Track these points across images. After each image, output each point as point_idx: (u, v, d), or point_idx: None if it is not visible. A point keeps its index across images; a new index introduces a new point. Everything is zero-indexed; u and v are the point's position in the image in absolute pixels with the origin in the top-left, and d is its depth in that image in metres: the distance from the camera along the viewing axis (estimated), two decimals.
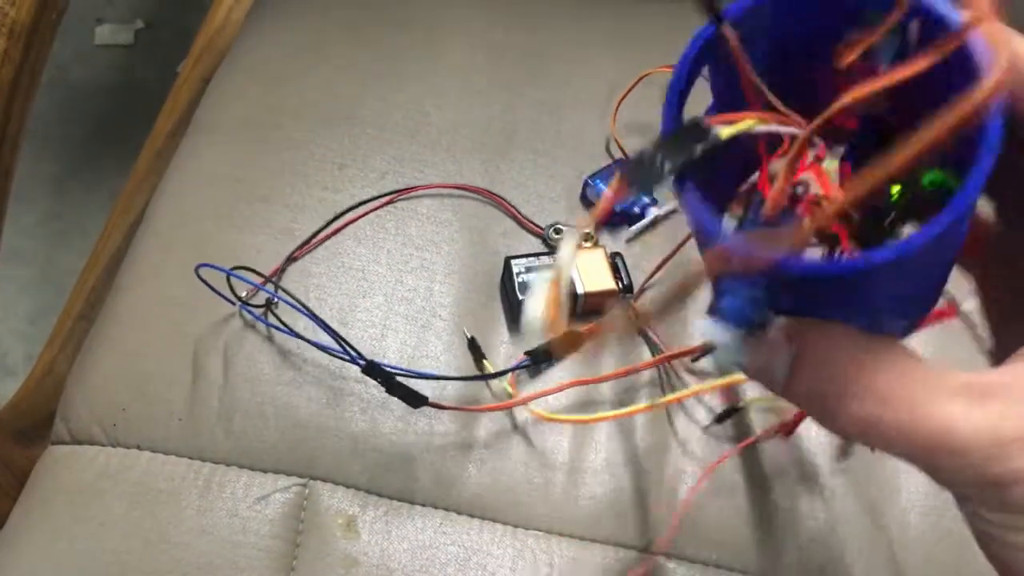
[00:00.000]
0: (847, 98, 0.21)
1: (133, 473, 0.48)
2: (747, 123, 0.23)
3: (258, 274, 0.51)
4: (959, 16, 0.21)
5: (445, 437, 0.49)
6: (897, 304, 0.25)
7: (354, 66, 0.63)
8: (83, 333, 0.72)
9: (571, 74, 0.64)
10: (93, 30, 1.29)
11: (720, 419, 0.48)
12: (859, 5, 0.22)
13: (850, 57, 0.22)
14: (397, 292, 0.53)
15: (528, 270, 0.52)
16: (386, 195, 0.56)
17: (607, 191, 0.22)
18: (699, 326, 0.22)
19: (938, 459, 0.22)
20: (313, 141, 0.59)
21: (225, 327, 0.50)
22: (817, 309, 0.23)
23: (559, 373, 0.51)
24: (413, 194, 0.57)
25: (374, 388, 0.49)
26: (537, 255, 0.53)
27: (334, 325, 0.51)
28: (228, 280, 0.49)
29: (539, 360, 0.51)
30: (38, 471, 0.50)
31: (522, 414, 0.50)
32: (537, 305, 0.22)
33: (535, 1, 0.69)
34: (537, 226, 0.56)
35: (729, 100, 0.24)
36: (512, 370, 0.50)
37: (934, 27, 0.21)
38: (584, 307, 0.52)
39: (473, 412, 0.50)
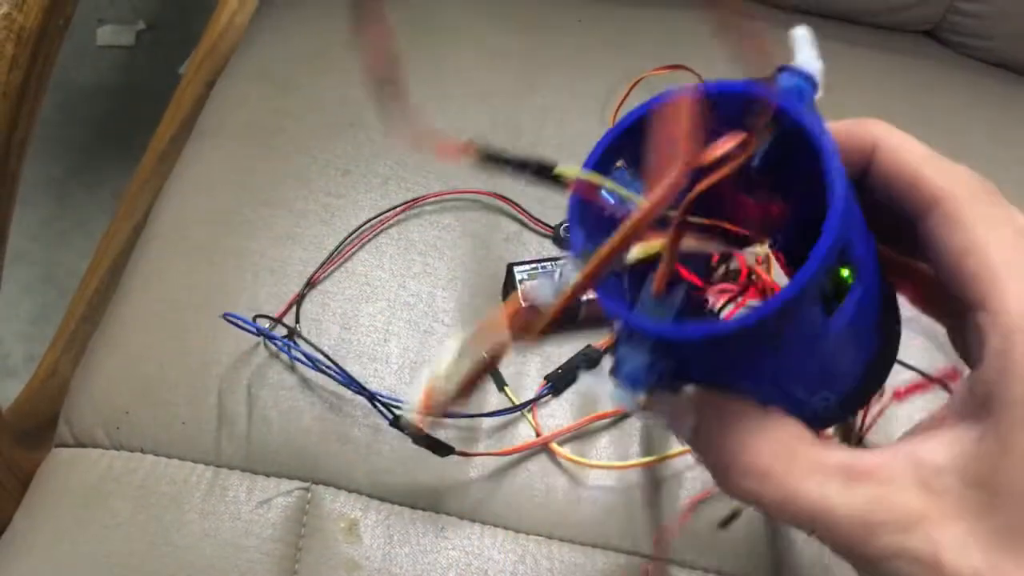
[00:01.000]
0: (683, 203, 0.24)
1: (136, 476, 0.48)
2: (645, 250, 0.26)
3: (279, 322, 0.51)
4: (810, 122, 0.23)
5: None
6: (801, 378, 0.26)
7: (357, 71, 0.63)
8: (86, 335, 0.72)
9: (571, 79, 0.65)
10: (95, 31, 1.29)
11: (726, 523, 0.47)
12: (731, 115, 0.25)
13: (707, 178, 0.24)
14: (400, 297, 0.53)
15: (531, 276, 0.52)
16: (398, 207, 0.56)
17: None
18: (607, 390, 0.24)
19: (817, 532, 0.23)
20: (316, 146, 0.59)
21: (230, 333, 0.51)
22: (719, 378, 0.25)
23: (569, 393, 0.51)
24: (421, 203, 0.57)
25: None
26: (539, 261, 0.53)
27: (336, 330, 0.52)
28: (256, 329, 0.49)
29: (560, 387, 0.51)
30: (42, 473, 0.50)
31: (527, 426, 0.50)
32: (416, 393, 0.24)
33: (536, 8, 0.69)
34: (547, 226, 0.56)
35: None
36: (535, 400, 0.50)
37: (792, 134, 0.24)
38: (586, 314, 0.53)
39: (487, 437, 0.50)
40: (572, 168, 0.25)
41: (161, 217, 0.58)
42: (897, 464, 0.23)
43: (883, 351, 0.27)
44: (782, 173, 0.24)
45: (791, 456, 0.23)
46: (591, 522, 0.48)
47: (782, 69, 0.24)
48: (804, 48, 0.25)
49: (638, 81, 0.60)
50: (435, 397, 0.24)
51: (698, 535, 0.47)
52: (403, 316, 0.53)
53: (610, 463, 0.49)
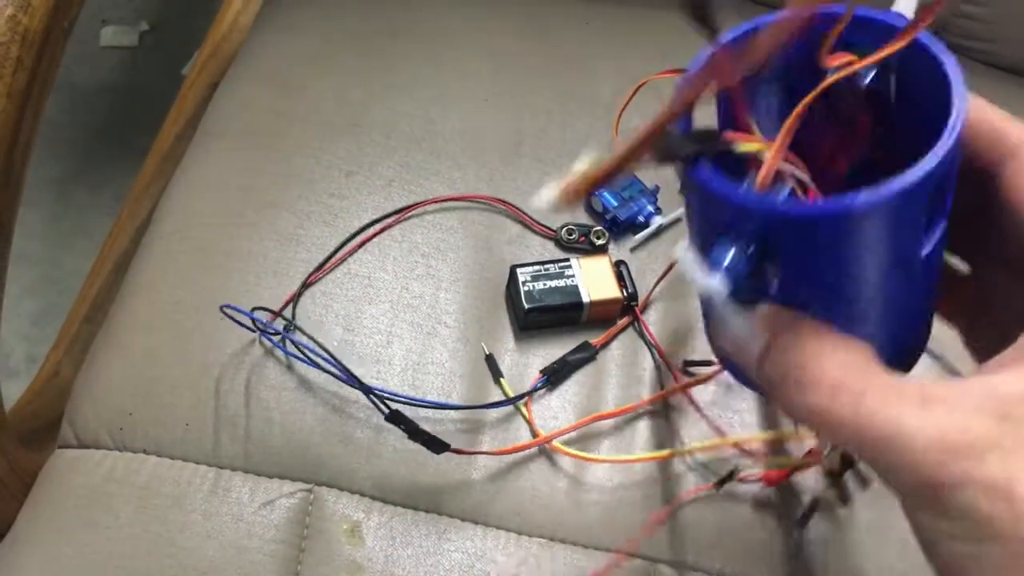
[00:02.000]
0: (804, 101, 0.24)
1: (140, 477, 0.48)
2: (756, 147, 0.25)
3: (278, 315, 0.51)
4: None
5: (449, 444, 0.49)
6: (875, 302, 0.26)
7: (361, 74, 0.63)
8: (89, 336, 0.72)
9: (575, 82, 0.65)
10: (98, 32, 1.29)
11: (721, 483, 0.48)
12: (850, 39, 0.26)
13: (832, 61, 0.25)
14: (403, 299, 0.54)
15: (534, 279, 0.52)
16: (397, 211, 0.56)
17: (641, 127, 0.24)
18: (696, 274, 0.23)
19: (884, 457, 0.23)
20: (320, 148, 0.59)
21: (233, 334, 0.51)
22: (805, 293, 0.25)
23: (573, 388, 0.51)
24: (423, 206, 0.57)
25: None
26: (543, 263, 0.53)
27: (338, 332, 0.52)
28: (253, 322, 0.49)
29: (555, 379, 0.51)
30: (45, 474, 0.50)
31: (527, 428, 0.50)
32: (555, 187, 0.23)
33: (540, 10, 0.69)
34: (550, 229, 0.56)
35: (729, 117, 0.26)
36: (530, 393, 0.50)
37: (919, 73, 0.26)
38: (589, 316, 0.53)
39: (487, 436, 0.50)
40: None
41: (164, 218, 0.58)
42: (974, 393, 0.22)
43: (932, 311, 0.28)
44: (885, 102, 0.26)
45: (865, 373, 0.23)
46: (594, 524, 0.48)
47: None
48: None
49: (642, 84, 0.60)
50: (582, 180, 0.23)
51: (699, 535, 0.47)
52: (406, 318, 0.53)
53: (611, 457, 0.49)
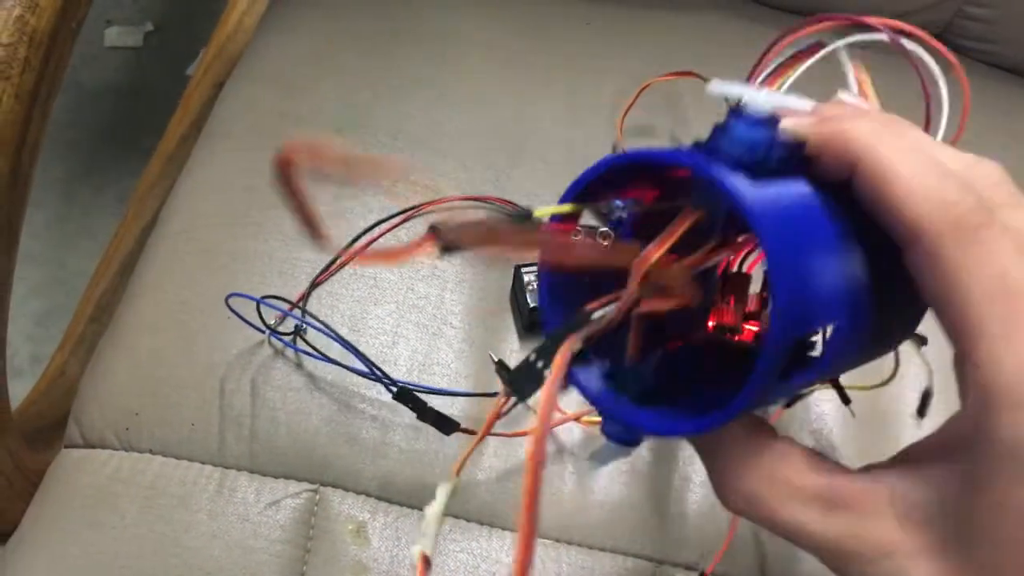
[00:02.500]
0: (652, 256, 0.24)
1: (145, 477, 0.48)
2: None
3: (285, 300, 0.51)
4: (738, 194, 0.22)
5: (455, 446, 0.49)
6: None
7: (366, 74, 0.63)
8: (94, 336, 0.72)
9: (579, 83, 0.65)
10: (102, 32, 1.29)
11: None
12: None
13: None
14: (408, 300, 0.54)
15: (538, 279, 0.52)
16: (404, 212, 0.56)
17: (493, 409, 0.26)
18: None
19: (801, 548, 0.25)
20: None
21: (239, 334, 0.51)
22: None
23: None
24: (429, 208, 0.57)
25: (384, 395, 0.49)
26: None
27: (344, 332, 0.52)
28: (257, 307, 0.49)
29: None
30: (51, 474, 0.50)
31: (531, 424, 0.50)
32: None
33: (544, 12, 0.69)
34: None
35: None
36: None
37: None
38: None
39: (491, 427, 0.50)
40: (547, 208, 0.26)
41: (170, 219, 0.58)
42: (876, 495, 0.23)
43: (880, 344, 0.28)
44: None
45: (773, 482, 0.24)
46: (599, 525, 0.48)
47: (734, 115, 0.23)
48: (745, 92, 0.24)
49: (646, 87, 0.61)
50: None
51: (706, 537, 0.47)
52: (411, 318, 0.53)
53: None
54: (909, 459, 0.24)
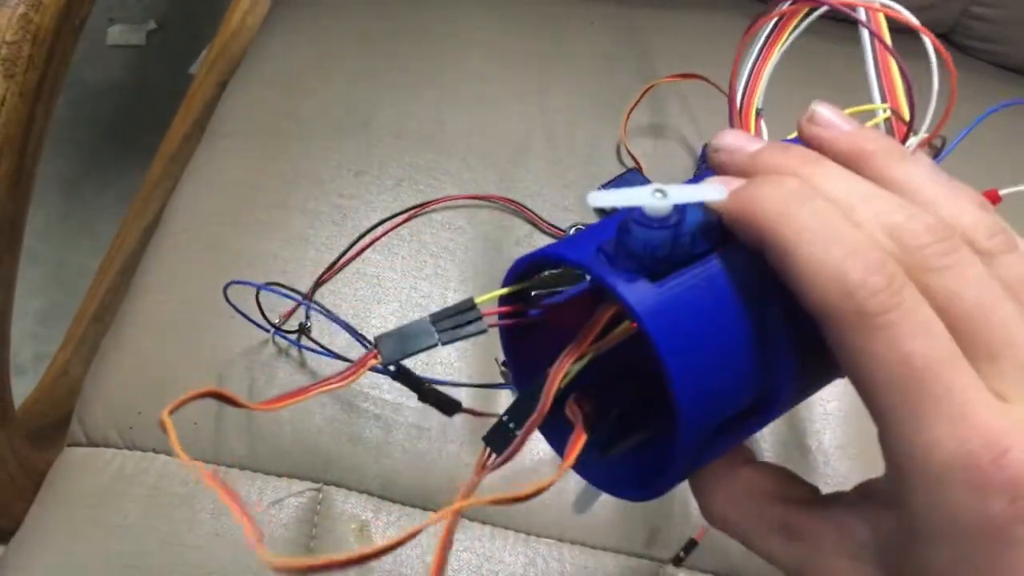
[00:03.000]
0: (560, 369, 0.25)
1: (149, 476, 0.48)
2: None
3: (289, 287, 0.51)
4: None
5: (458, 444, 0.49)
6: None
7: (370, 74, 0.63)
8: (97, 335, 0.72)
9: (584, 82, 0.65)
10: (105, 30, 1.29)
11: (682, 557, 0.48)
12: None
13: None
14: (411, 299, 0.54)
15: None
16: (407, 210, 0.56)
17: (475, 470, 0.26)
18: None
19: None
20: (329, 148, 0.59)
21: (241, 332, 0.51)
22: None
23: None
24: (432, 206, 0.57)
25: (388, 395, 0.49)
26: None
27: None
28: (257, 297, 0.49)
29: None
30: (54, 473, 0.50)
31: None
32: None
33: (548, 12, 0.69)
34: (558, 228, 0.56)
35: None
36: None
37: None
38: None
39: (480, 418, 0.50)
40: (488, 294, 0.27)
41: (173, 218, 0.58)
42: (828, 531, 0.24)
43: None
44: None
45: (741, 508, 0.26)
46: (602, 525, 0.48)
47: (631, 216, 0.22)
48: (632, 197, 0.22)
49: (650, 87, 0.61)
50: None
51: (717, 541, 0.47)
52: (414, 317, 0.53)
53: None
54: (867, 492, 0.25)
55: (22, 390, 0.73)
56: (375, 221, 0.56)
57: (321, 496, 0.48)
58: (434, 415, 0.49)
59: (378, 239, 0.55)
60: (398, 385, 0.50)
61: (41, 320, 1.07)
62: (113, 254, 0.76)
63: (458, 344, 0.52)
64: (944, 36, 0.73)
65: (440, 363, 0.52)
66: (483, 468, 0.26)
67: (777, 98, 0.38)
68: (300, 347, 0.50)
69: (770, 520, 0.25)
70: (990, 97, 0.71)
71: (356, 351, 0.51)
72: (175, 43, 1.30)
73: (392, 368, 0.43)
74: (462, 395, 0.51)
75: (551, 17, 0.69)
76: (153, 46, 1.30)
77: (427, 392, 0.45)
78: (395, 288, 0.54)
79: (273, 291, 0.48)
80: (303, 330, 0.50)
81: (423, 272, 0.55)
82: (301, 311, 0.52)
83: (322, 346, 0.49)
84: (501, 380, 0.51)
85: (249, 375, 0.50)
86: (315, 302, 0.50)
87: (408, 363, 0.50)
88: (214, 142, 0.61)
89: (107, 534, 0.46)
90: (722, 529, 0.26)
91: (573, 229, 0.56)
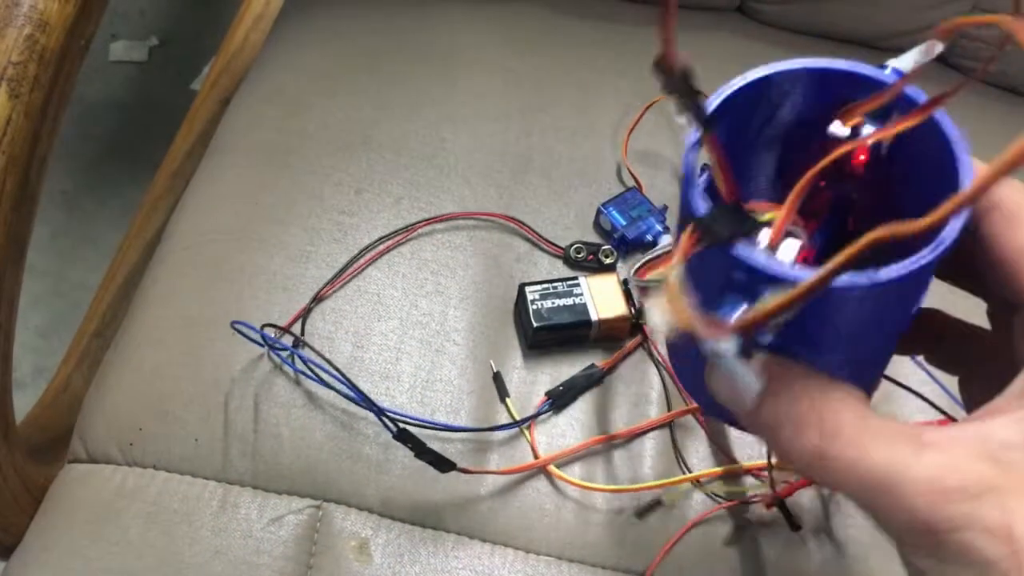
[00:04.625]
0: (821, 164, 0.26)
1: (149, 493, 0.48)
2: (771, 215, 0.26)
3: (284, 330, 0.52)
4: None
5: (457, 462, 0.49)
6: (865, 352, 0.27)
7: (371, 92, 0.64)
8: (99, 350, 0.73)
9: (585, 101, 0.65)
10: (107, 46, 1.30)
11: (641, 514, 0.49)
12: (847, 95, 0.27)
13: (850, 121, 0.26)
14: (412, 316, 0.54)
15: (542, 297, 0.53)
16: (407, 227, 0.57)
17: (682, 241, 0.25)
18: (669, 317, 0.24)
19: (878, 499, 0.23)
20: (330, 165, 0.59)
21: (243, 350, 0.51)
22: (794, 347, 0.25)
23: (581, 407, 0.52)
24: (432, 223, 0.57)
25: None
26: (551, 282, 0.53)
27: (347, 348, 0.52)
28: (262, 338, 0.49)
29: (560, 403, 0.51)
30: (55, 489, 0.51)
31: (537, 440, 0.50)
32: (660, 311, 0.23)
33: (548, 30, 0.70)
34: (558, 247, 0.57)
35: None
36: (534, 417, 0.51)
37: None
38: (598, 334, 0.53)
39: (494, 456, 0.50)
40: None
41: (175, 234, 0.58)
42: (968, 437, 0.23)
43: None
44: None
45: (860, 418, 0.23)
46: (601, 543, 0.48)
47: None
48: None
49: (651, 105, 0.61)
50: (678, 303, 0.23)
51: (696, 559, 0.47)
52: (415, 335, 0.53)
53: (610, 486, 0.49)
54: (985, 412, 0.24)
55: (22, 404, 0.73)
56: (375, 238, 0.56)
57: (321, 513, 0.48)
58: (432, 432, 0.49)
59: (378, 256, 0.56)
60: (398, 403, 0.50)
61: (42, 334, 1.07)
62: (115, 269, 0.76)
63: (458, 362, 0.52)
64: (940, 58, 0.74)
65: (440, 380, 0.52)
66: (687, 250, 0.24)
67: None
68: (295, 369, 0.50)
69: (897, 431, 0.24)
70: (990, 117, 0.72)
71: (354, 372, 0.51)
72: (177, 59, 1.31)
73: (394, 429, 0.43)
74: (462, 411, 0.51)
75: (552, 35, 0.70)
76: (155, 62, 1.31)
77: (425, 452, 0.46)
78: (396, 305, 0.54)
79: (267, 336, 0.49)
80: (295, 351, 0.50)
81: (423, 289, 0.55)
82: (298, 327, 0.52)
83: (312, 370, 0.49)
84: (496, 398, 0.51)
85: (250, 392, 0.50)
86: (306, 343, 0.51)
87: (409, 385, 0.50)
88: (216, 158, 0.62)
89: (107, 550, 0.47)
90: (823, 450, 0.24)
91: (572, 248, 0.56)
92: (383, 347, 0.53)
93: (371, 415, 0.50)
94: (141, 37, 1.32)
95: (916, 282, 0.25)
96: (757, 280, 0.23)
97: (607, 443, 0.51)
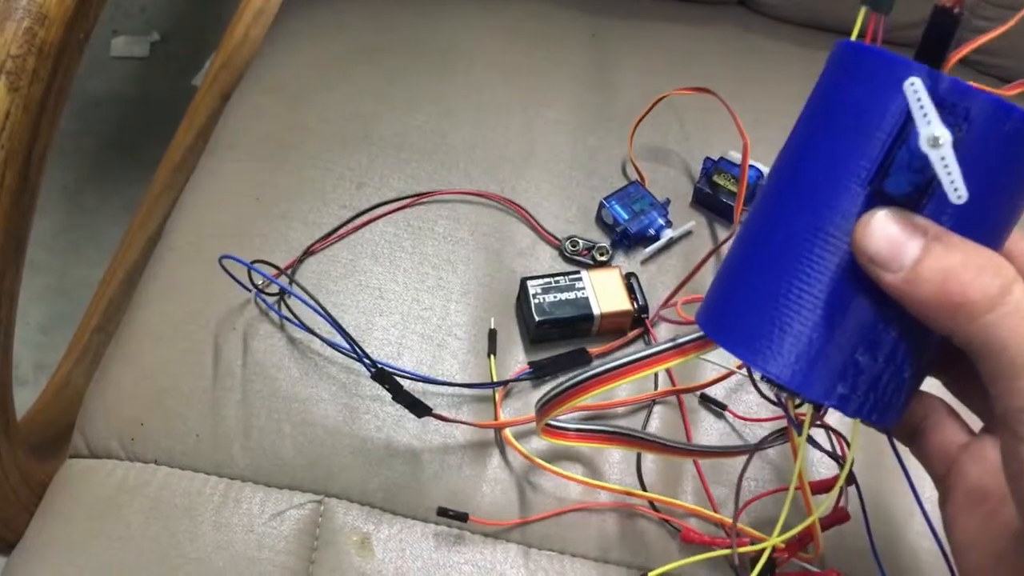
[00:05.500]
0: None
1: (150, 488, 0.48)
2: None
3: (275, 267, 0.52)
4: None
5: (460, 456, 0.49)
6: (994, 223, 0.29)
7: (372, 86, 0.64)
8: (100, 346, 0.72)
9: (588, 95, 0.65)
10: (109, 42, 1.30)
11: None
12: None
13: None
14: (413, 311, 0.54)
15: (544, 291, 0.52)
16: (406, 197, 0.57)
17: None
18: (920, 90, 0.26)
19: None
20: (331, 160, 0.59)
21: (243, 347, 0.51)
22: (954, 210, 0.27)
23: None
24: (431, 203, 0.57)
25: (390, 407, 0.49)
26: (553, 276, 0.53)
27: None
28: (249, 275, 0.50)
29: (542, 372, 0.51)
30: (56, 484, 0.50)
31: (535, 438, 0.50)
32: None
33: (549, 25, 0.70)
34: (556, 238, 0.57)
35: None
36: (509, 381, 0.51)
37: None
38: (600, 328, 0.53)
39: (484, 429, 0.50)
40: None
41: (176, 229, 0.58)
42: None
43: None
44: None
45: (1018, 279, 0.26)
46: (604, 538, 0.48)
47: None
48: None
49: (660, 99, 0.61)
50: None
51: None
52: (417, 329, 0.53)
53: (558, 469, 0.48)
54: None
55: (24, 400, 0.73)
56: (376, 234, 0.56)
57: (323, 508, 0.48)
58: (435, 426, 0.49)
59: (380, 218, 0.56)
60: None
61: (43, 330, 1.07)
62: (116, 265, 0.76)
63: (460, 356, 0.52)
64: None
65: (442, 375, 0.52)
66: None
67: None
68: (281, 315, 0.51)
69: None
70: None
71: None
72: (178, 55, 1.31)
73: (372, 369, 0.43)
74: (464, 405, 0.51)
75: (553, 30, 0.69)
76: (157, 58, 1.31)
77: (401, 394, 0.46)
78: (397, 300, 0.54)
79: (255, 269, 0.50)
80: (282, 296, 0.51)
81: (425, 284, 0.55)
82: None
83: (298, 318, 0.49)
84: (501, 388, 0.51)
85: (251, 386, 0.50)
86: (295, 281, 0.51)
87: (409, 382, 0.50)
88: (217, 153, 0.62)
89: (109, 546, 0.46)
90: (1007, 288, 0.26)
91: (568, 242, 0.56)
92: (384, 342, 0.52)
93: (373, 409, 0.50)
94: (142, 33, 1.32)
95: None
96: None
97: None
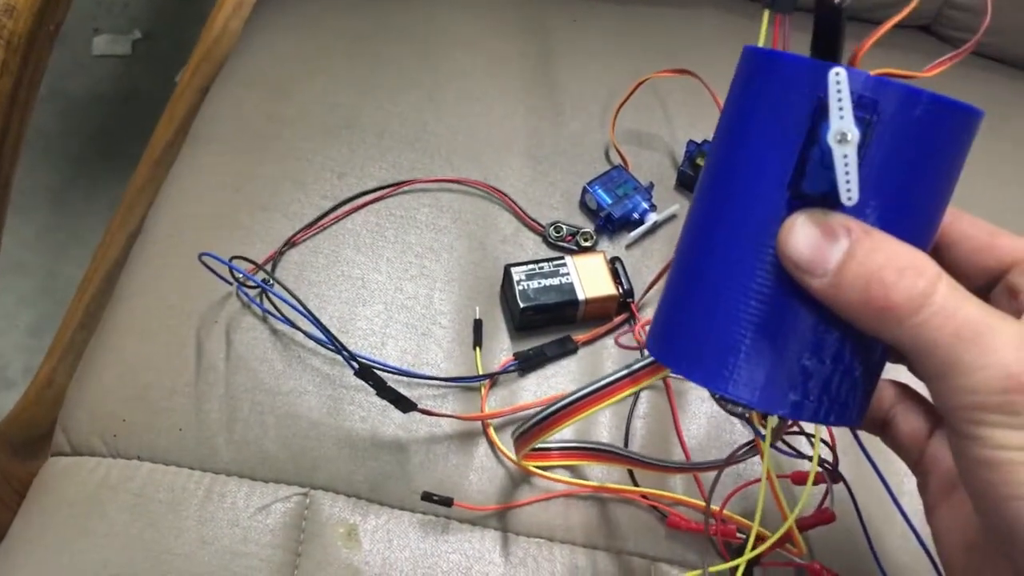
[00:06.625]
0: None
1: (134, 484, 0.48)
2: None
3: (255, 264, 0.52)
4: None
5: (446, 446, 0.49)
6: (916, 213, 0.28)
7: (353, 75, 0.63)
8: (83, 343, 0.72)
9: (570, 80, 0.64)
10: (90, 41, 1.29)
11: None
12: None
13: None
14: (397, 300, 0.53)
15: (528, 277, 0.52)
16: (388, 186, 0.56)
17: None
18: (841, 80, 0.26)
19: (967, 351, 0.25)
20: (312, 150, 0.59)
21: (225, 340, 0.50)
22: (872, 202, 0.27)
23: (560, 381, 0.51)
24: (413, 191, 0.57)
25: (375, 397, 0.49)
26: (537, 262, 0.53)
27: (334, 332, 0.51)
28: (230, 269, 0.50)
29: (526, 366, 0.51)
30: (39, 482, 0.50)
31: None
32: None
33: (530, 11, 0.69)
34: (542, 226, 0.56)
35: None
36: (496, 375, 0.50)
37: None
38: (585, 314, 0.52)
39: (470, 421, 0.50)
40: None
41: (157, 223, 0.58)
42: None
43: None
44: None
45: (949, 280, 0.26)
46: (592, 524, 0.48)
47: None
48: None
49: (642, 82, 0.60)
50: None
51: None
52: (400, 319, 0.53)
53: (533, 465, 0.47)
54: None
55: (12, 402, 0.72)
56: (358, 224, 0.55)
57: (308, 500, 0.48)
58: (420, 416, 0.49)
59: (362, 207, 0.56)
60: None
61: (32, 332, 1.07)
62: (98, 261, 0.76)
63: (444, 345, 0.52)
64: (926, 28, 0.73)
65: (427, 364, 0.51)
66: None
67: None
68: (264, 309, 0.51)
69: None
70: (973, 87, 0.71)
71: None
72: (161, 52, 1.30)
73: (355, 365, 0.43)
74: (449, 395, 0.50)
75: (534, 15, 0.69)
76: (139, 56, 1.30)
77: (386, 390, 0.46)
78: (380, 290, 0.53)
79: (235, 268, 0.49)
80: (264, 287, 0.51)
81: (408, 273, 0.54)
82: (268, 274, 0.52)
83: (282, 313, 0.49)
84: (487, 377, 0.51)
85: (234, 379, 0.50)
86: (275, 278, 0.51)
87: (394, 361, 0.50)
88: (197, 146, 0.61)
89: (93, 543, 0.46)
90: (927, 295, 0.26)
91: (552, 228, 0.56)
92: (368, 332, 0.52)
93: (357, 399, 0.49)
94: (124, 31, 1.31)
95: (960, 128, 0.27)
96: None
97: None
